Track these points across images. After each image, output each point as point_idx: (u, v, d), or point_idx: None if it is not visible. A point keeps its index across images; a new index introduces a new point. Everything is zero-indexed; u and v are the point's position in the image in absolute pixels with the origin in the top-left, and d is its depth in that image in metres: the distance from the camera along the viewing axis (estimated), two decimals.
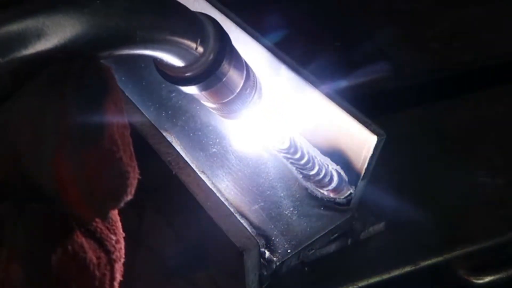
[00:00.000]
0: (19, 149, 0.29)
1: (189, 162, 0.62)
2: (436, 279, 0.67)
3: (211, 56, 0.46)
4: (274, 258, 0.56)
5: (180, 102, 0.72)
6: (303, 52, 0.81)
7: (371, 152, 0.55)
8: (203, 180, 0.59)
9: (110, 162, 0.31)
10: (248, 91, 0.55)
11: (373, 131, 0.55)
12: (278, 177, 0.63)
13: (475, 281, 0.66)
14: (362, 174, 0.57)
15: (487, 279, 0.66)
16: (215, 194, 0.57)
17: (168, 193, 0.66)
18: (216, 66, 0.47)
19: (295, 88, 0.62)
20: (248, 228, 0.57)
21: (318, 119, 0.61)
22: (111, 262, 0.33)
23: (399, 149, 0.74)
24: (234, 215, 0.56)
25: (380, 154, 0.56)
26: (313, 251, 0.60)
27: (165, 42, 0.39)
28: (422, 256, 0.64)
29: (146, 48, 0.38)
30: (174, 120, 0.70)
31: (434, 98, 0.84)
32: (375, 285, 0.63)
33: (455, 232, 0.67)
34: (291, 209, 0.60)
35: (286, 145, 0.65)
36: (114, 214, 0.35)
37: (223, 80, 0.49)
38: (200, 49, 0.45)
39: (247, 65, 0.54)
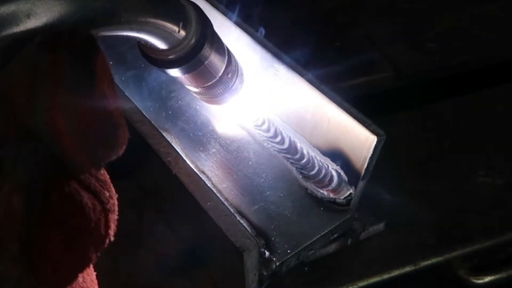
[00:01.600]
0: (16, 102, 0.31)
1: (189, 162, 0.62)
2: (436, 279, 0.67)
3: (193, 40, 0.48)
4: (274, 258, 0.56)
5: (180, 102, 0.72)
6: (303, 52, 0.81)
7: (371, 152, 0.55)
8: (203, 180, 0.59)
9: (102, 113, 0.33)
10: (229, 75, 0.57)
11: (373, 131, 0.55)
12: (278, 177, 0.63)
13: (475, 281, 0.66)
14: (362, 174, 0.57)
15: (487, 279, 0.66)
16: (215, 194, 0.57)
17: (168, 193, 0.66)
18: (198, 49, 0.49)
19: (295, 89, 0.62)
20: (248, 228, 0.57)
21: (318, 119, 0.61)
22: (105, 211, 0.34)
23: (399, 149, 0.74)
24: (234, 215, 0.56)
25: (380, 154, 0.56)
26: (313, 251, 0.60)
27: (149, 24, 0.41)
28: (422, 256, 0.64)
29: (131, 29, 0.40)
30: (174, 120, 0.70)
31: (434, 98, 0.84)
32: (375, 285, 0.63)
33: (455, 232, 0.67)
34: (291, 209, 0.60)
35: (286, 145, 0.65)
36: (105, 176, 0.37)
37: (205, 63, 0.51)
38: (183, 33, 0.46)
39: (229, 51, 0.56)
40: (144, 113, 0.65)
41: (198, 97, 0.60)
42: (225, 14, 0.68)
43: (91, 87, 0.32)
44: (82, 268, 0.34)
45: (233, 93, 0.60)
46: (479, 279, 0.66)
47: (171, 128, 0.69)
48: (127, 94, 0.69)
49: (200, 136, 0.68)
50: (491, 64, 0.90)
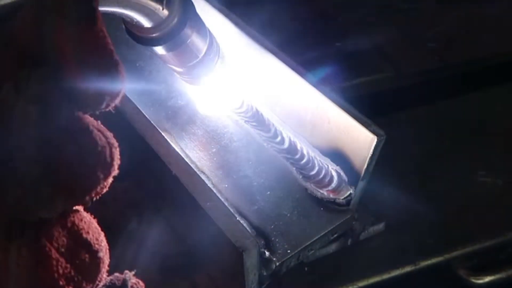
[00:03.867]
0: (24, 41, 0.34)
1: (189, 162, 0.62)
2: (436, 279, 0.67)
3: (176, 18, 0.51)
4: (274, 258, 0.56)
5: (180, 102, 0.72)
6: (303, 53, 0.81)
7: (371, 152, 0.55)
8: (203, 180, 0.59)
9: (103, 48, 0.36)
10: (211, 56, 0.59)
11: (373, 132, 0.55)
12: (278, 177, 0.63)
13: (475, 281, 0.66)
14: (362, 174, 0.57)
15: (487, 279, 0.66)
16: (215, 194, 0.57)
17: (168, 193, 0.66)
18: (180, 28, 0.52)
19: (295, 89, 0.62)
20: (248, 229, 0.57)
21: (318, 119, 0.61)
22: (109, 144, 0.38)
23: (398, 149, 0.74)
24: (234, 215, 0.56)
25: (380, 154, 0.56)
26: (313, 251, 0.60)
27: (135, 1, 0.46)
28: (422, 256, 0.64)
29: (118, 4, 0.44)
30: (174, 120, 0.70)
31: (434, 98, 0.84)
32: (375, 285, 0.63)
33: (455, 232, 0.67)
34: (291, 209, 0.60)
35: (286, 146, 0.65)
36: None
37: (187, 42, 0.54)
38: (166, 12, 0.49)
39: (210, 33, 0.59)
40: (144, 113, 0.65)
41: (181, 77, 0.62)
42: (224, 13, 0.68)
43: (92, 22, 0.35)
44: (94, 185, 0.37)
45: (215, 75, 0.62)
46: (479, 279, 0.66)
47: (171, 128, 0.69)
48: (127, 95, 0.69)
49: (200, 136, 0.68)
50: (491, 64, 0.90)
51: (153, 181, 0.70)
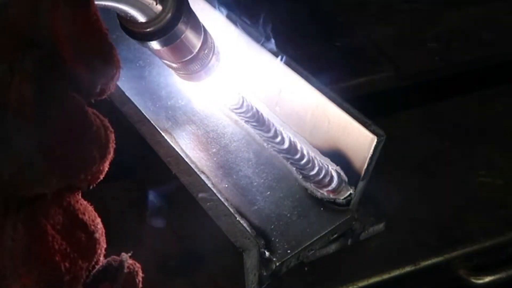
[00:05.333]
0: (20, 24, 0.35)
1: (189, 162, 0.62)
2: (436, 279, 0.67)
3: (170, 14, 0.51)
4: (274, 258, 0.56)
5: (180, 102, 0.72)
6: (303, 53, 0.81)
7: (370, 152, 0.55)
8: (203, 180, 0.59)
9: (98, 31, 0.37)
10: (206, 51, 0.59)
11: (373, 132, 0.55)
12: (278, 177, 0.63)
13: (475, 281, 0.66)
14: (362, 174, 0.57)
15: (487, 279, 0.66)
16: (215, 194, 0.57)
17: (168, 193, 0.66)
18: (174, 23, 0.52)
19: (295, 89, 0.62)
20: (248, 229, 0.57)
21: (318, 119, 0.61)
22: (104, 126, 0.38)
23: (399, 149, 0.74)
24: (234, 215, 0.56)
25: (380, 154, 0.56)
26: (313, 251, 0.60)
27: None
28: (422, 256, 0.64)
29: None
30: (174, 120, 0.70)
31: (434, 98, 0.84)
32: (375, 285, 0.63)
33: (455, 232, 0.67)
34: (291, 209, 0.60)
35: (286, 146, 0.65)
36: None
37: (182, 37, 0.54)
38: (159, 7, 0.50)
39: (205, 29, 0.59)
40: (144, 113, 0.65)
41: (176, 73, 0.62)
42: (224, 13, 0.68)
43: (86, 5, 0.36)
44: (89, 164, 0.37)
45: (210, 70, 0.62)
46: (479, 279, 0.66)
47: (171, 128, 0.69)
48: (127, 94, 0.69)
49: (200, 136, 0.68)
50: (491, 64, 0.90)
51: (153, 181, 0.70)
